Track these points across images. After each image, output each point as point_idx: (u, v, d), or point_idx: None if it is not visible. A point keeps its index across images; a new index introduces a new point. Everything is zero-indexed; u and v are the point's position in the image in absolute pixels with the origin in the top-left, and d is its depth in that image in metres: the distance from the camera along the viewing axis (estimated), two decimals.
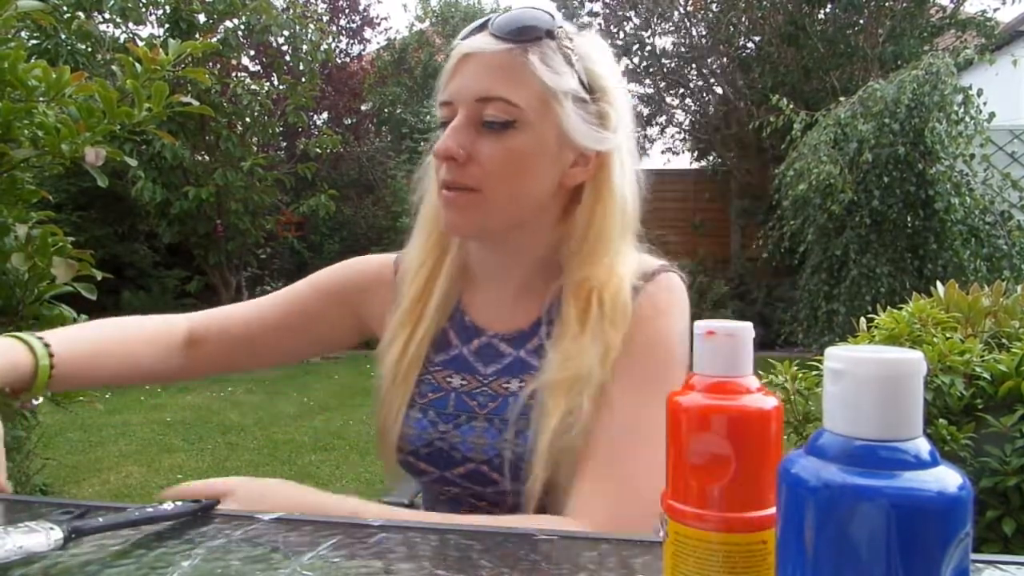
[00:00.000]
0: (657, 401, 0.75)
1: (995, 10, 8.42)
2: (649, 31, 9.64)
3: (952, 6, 8.40)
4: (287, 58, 8.10)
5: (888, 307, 2.03)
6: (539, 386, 0.80)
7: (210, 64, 7.05)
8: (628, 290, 0.81)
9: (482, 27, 0.81)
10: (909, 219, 5.79)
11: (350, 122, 9.84)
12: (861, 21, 8.32)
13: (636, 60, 9.79)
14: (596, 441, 0.76)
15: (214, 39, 6.52)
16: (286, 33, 7.72)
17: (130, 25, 6.62)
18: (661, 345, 0.80)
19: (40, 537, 0.55)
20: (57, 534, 0.56)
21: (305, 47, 7.75)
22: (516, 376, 0.85)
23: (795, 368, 2.03)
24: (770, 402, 0.42)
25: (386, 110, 10.13)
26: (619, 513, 0.73)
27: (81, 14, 5.27)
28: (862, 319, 2.07)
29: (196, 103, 1.80)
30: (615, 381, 0.78)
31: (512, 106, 0.77)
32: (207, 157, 7.52)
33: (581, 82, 0.80)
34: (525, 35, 0.77)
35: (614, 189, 0.82)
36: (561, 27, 0.80)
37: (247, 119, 7.43)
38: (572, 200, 0.84)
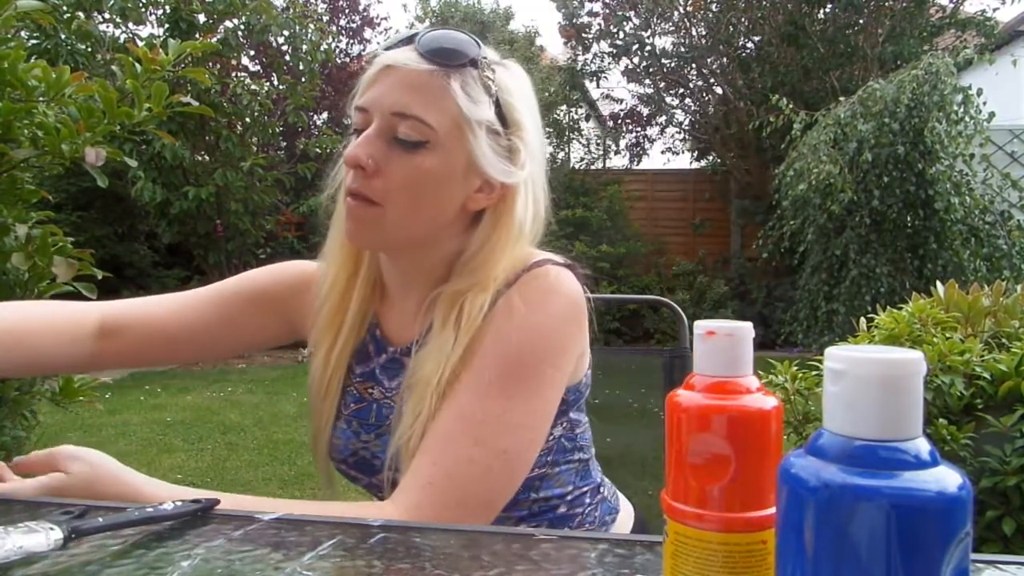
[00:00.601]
0: (503, 395, 0.76)
1: (995, 10, 8.43)
2: (649, 31, 9.65)
3: (952, 6, 8.41)
4: (287, 58, 8.10)
5: (888, 307, 2.03)
6: (401, 391, 0.83)
7: (210, 64, 7.04)
8: (491, 296, 0.81)
9: (408, 40, 0.81)
10: (909, 219, 5.79)
11: (350, 122, 9.83)
12: (861, 21, 8.32)
13: (636, 60, 9.79)
14: (430, 433, 0.77)
15: (214, 39, 6.52)
16: (286, 33, 7.72)
17: (130, 25, 6.62)
18: (512, 341, 0.79)
19: (40, 537, 0.55)
20: (57, 534, 0.56)
21: (305, 47, 7.75)
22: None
23: (795, 368, 2.03)
24: (770, 402, 0.42)
25: None
26: (425, 500, 0.73)
27: (81, 14, 5.27)
28: (862, 319, 2.07)
29: (196, 103, 1.80)
30: (462, 378, 0.78)
31: (426, 127, 0.77)
32: (207, 157, 7.52)
33: (497, 114, 0.81)
34: (449, 59, 0.78)
35: (514, 221, 0.83)
36: (485, 57, 0.81)
37: (247, 119, 7.43)
38: (473, 221, 0.85)
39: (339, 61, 9.48)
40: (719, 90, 9.57)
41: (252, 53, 8.46)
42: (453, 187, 0.81)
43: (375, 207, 0.79)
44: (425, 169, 0.78)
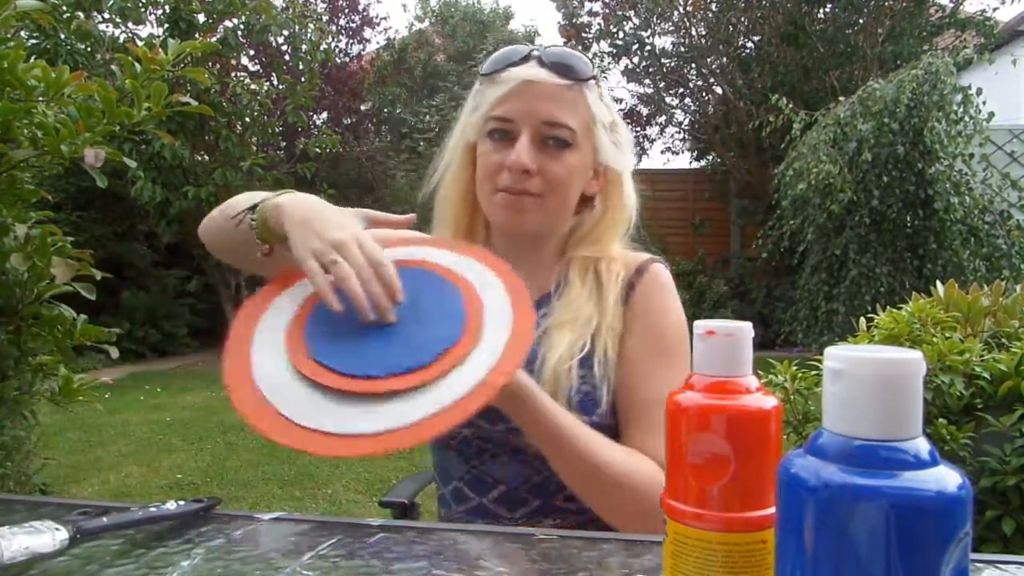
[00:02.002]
0: (682, 370, 0.90)
1: (994, 10, 8.43)
2: (649, 31, 9.64)
3: (951, 6, 8.41)
4: (287, 58, 8.10)
5: (888, 307, 2.03)
6: (546, 327, 0.94)
7: (209, 64, 7.04)
8: (619, 267, 0.99)
9: (527, 58, 0.95)
10: (908, 219, 5.79)
11: (350, 122, 9.83)
12: (861, 21, 8.32)
13: (636, 60, 9.79)
14: (636, 407, 0.91)
15: (213, 39, 6.52)
16: (285, 33, 7.72)
17: (129, 25, 6.62)
18: (674, 317, 0.97)
19: (46, 538, 0.55)
20: (63, 534, 0.56)
21: (305, 47, 7.75)
22: None
23: (795, 368, 2.03)
24: (769, 402, 0.42)
25: (386, 110, 10.13)
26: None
27: (80, 14, 5.27)
28: (862, 319, 2.07)
29: (195, 103, 1.79)
30: (644, 354, 0.93)
31: (571, 131, 0.94)
32: (207, 157, 7.51)
33: (609, 115, 1.00)
34: (580, 75, 0.95)
35: (625, 202, 1.02)
36: (597, 72, 0.99)
37: (247, 119, 7.42)
38: (582, 204, 1.03)
39: (339, 61, 9.47)
40: (719, 90, 9.57)
41: (252, 53, 8.46)
42: (584, 177, 0.99)
43: (536, 198, 0.94)
44: (572, 165, 0.95)
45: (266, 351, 0.76)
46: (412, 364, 0.70)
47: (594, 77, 0.97)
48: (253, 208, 0.87)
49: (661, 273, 1.00)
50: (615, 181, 1.02)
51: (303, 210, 0.81)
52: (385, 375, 0.69)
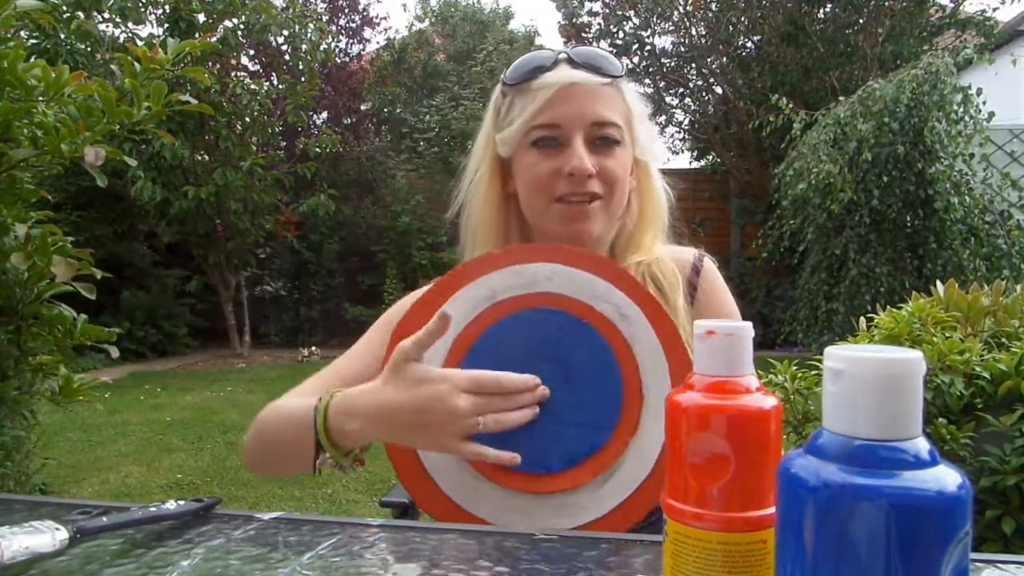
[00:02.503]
0: None
1: (994, 9, 8.43)
2: (649, 31, 9.64)
3: (952, 6, 8.40)
4: (287, 58, 8.10)
5: (888, 306, 2.03)
6: None
7: (209, 64, 7.04)
8: (673, 267, 0.97)
9: (557, 62, 0.93)
10: (908, 218, 5.79)
11: (350, 122, 9.83)
12: (861, 21, 8.31)
13: (636, 60, 9.78)
14: None
15: (213, 39, 6.52)
16: (285, 33, 7.72)
17: (129, 24, 6.61)
18: (734, 306, 0.99)
19: (46, 537, 0.55)
20: (63, 534, 0.56)
21: (305, 47, 7.75)
22: None
23: (794, 368, 2.03)
24: (769, 402, 0.42)
25: (386, 110, 10.13)
26: None
27: (80, 14, 5.26)
28: (862, 319, 2.07)
29: (195, 102, 1.79)
30: None
31: (618, 128, 0.93)
32: (207, 157, 7.52)
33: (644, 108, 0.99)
34: (616, 72, 0.94)
35: (657, 193, 1.01)
36: (626, 67, 0.98)
37: (247, 119, 7.42)
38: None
39: (339, 61, 9.47)
40: (719, 90, 9.56)
41: (252, 53, 8.45)
42: (629, 172, 0.97)
43: (600, 200, 0.92)
44: (624, 162, 0.94)
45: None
46: (583, 450, 0.70)
47: (624, 74, 0.96)
48: (319, 447, 0.78)
49: (712, 267, 1.01)
50: (646, 174, 1.01)
51: (390, 421, 0.73)
52: (555, 471, 0.71)
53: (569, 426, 0.72)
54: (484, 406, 0.71)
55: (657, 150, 1.01)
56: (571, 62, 0.92)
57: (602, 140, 0.91)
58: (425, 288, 1.01)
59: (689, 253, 1.01)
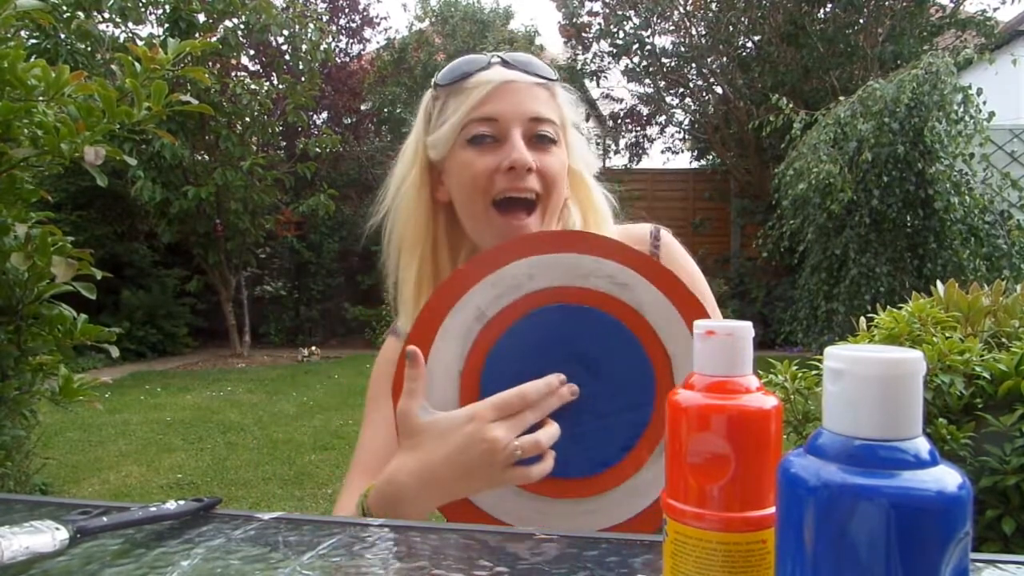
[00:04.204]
0: (716, 312, 0.90)
1: (995, 9, 8.43)
2: (649, 31, 9.64)
3: (952, 6, 8.40)
4: (287, 57, 8.10)
5: (888, 306, 2.03)
6: None
7: (210, 63, 7.04)
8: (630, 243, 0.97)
9: (489, 64, 0.92)
10: (909, 218, 5.79)
11: (350, 122, 9.84)
12: (861, 20, 8.32)
13: (636, 60, 9.79)
14: None
15: (214, 38, 6.52)
16: (286, 32, 7.72)
17: (129, 24, 6.62)
18: (697, 271, 0.97)
19: (46, 537, 0.55)
20: (63, 534, 0.56)
21: (305, 47, 7.75)
22: None
23: (795, 368, 2.03)
24: (770, 402, 0.42)
25: (386, 110, 10.12)
26: None
27: (81, 14, 5.26)
28: (862, 318, 2.07)
29: (195, 102, 1.79)
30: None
31: (556, 126, 0.92)
32: (207, 157, 7.52)
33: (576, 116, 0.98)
34: (549, 75, 0.94)
35: (595, 197, 0.99)
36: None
37: (247, 119, 7.43)
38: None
39: (339, 61, 9.47)
40: (719, 90, 9.57)
41: (252, 53, 8.46)
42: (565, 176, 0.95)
43: (531, 210, 0.90)
44: (560, 161, 0.92)
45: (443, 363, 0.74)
46: (634, 433, 0.68)
47: (557, 79, 0.95)
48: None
49: (670, 236, 0.99)
50: (581, 181, 0.98)
51: (433, 487, 0.70)
52: (615, 464, 0.69)
53: (611, 417, 0.70)
54: (518, 426, 0.69)
55: (590, 159, 0.99)
56: (505, 63, 0.91)
57: (539, 137, 0.90)
58: (389, 340, 1.01)
59: (644, 228, 0.99)
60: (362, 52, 10.35)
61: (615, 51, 9.86)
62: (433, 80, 0.95)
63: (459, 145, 0.90)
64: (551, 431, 0.69)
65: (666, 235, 0.98)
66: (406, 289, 0.95)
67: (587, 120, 11.22)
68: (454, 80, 0.91)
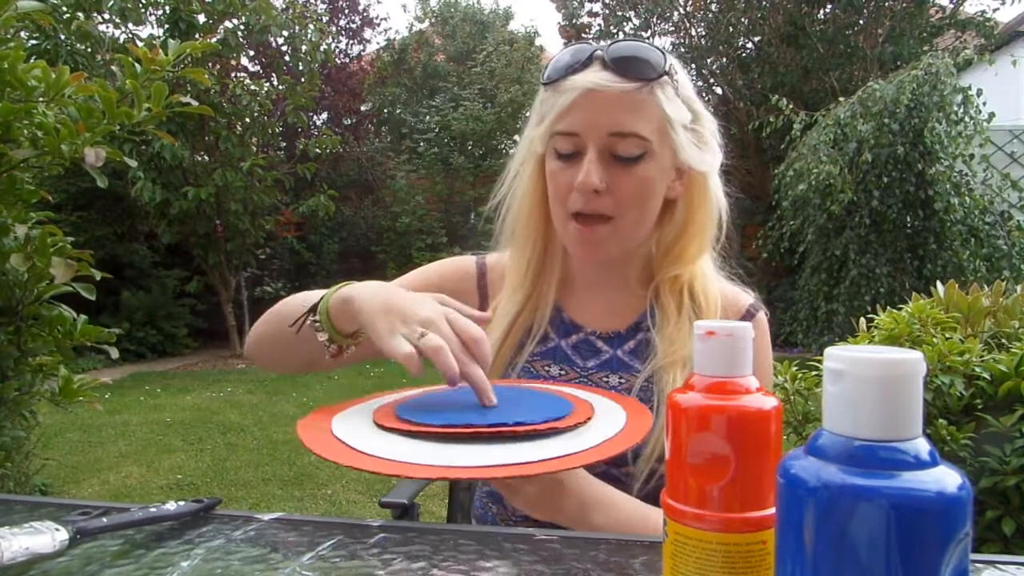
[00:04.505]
0: None
1: (995, 10, 8.44)
2: (649, 31, 9.64)
3: (952, 6, 8.41)
4: (287, 58, 8.11)
5: (888, 307, 2.03)
6: (654, 370, 0.89)
7: (209, 64, 7.04)
8: (715, 285, 0.94)
9: (590, 61, 0.86)
10: (909, 219, 5.79)
11: (350, 122, 9.84)
12: (861, 21, 8.32)
13: None
14: None
15: (213, 39, 6.52)
16: (285, 33, 7.73)
17: (130, 25, 6.62)
18: (770, 366, 0.96)
19: (46, 538, 0.55)
20: (63, 535, 0.56)
21: (305, 47, 7.75)
22: (616, 372, 0.92)
23: (794, 368, 2.03)
24: (769, 402, 0.42)
25: (386, 110, 10.14)
26: None
27: (80, 15, 5.26)
28: (862, 319, 2.07)
29: (195, 103, 1.80)
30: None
31: (643, 140, 0.84)
32: (207, 157, 7.52)
33: (688, 110, 0.89)
34: (649, 74, 0.84)
35: (711, 204, 0.93)
36: (671, 64, 0.87)
37: (247, 119, 7.43)
38: (665, 210, 0.93)
39: (339, 61, 9.48)
40: (719, 90, 9.57)
41: (252, 53, 8.46)
42: (664, 183, 0.89)
43: (608, 223, 0.87)
44: (648, 178, 0.86)
45: (349, 421, 0.70)
46: (522, 420, 0.63)
47: (666, 72, 0.86)
48: (313, 310, 0.81)
49: (764, 323, 0.94)
50: (699, 183, 0.92)
51: (383, 299, 0.74)
52: (490, 425, 0.63)
53: (522, 411, 0.67)
54: (444, 335, 0.68)
55: (710, 157, 0.91)
56: (603, 62, 0.85)
57: (620, 154, 0.85)
58: (462, 259, 1.02)
59: (744, 298, 0.96)
60: (362, 53, 10.36)
61: None
62: (541, 77, 0.92)
63: (550, 152, 0.89)
64: (453, 358, 0.67)
65: (762, 317, 0.95)
66: (515, 271, 0.97)
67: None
68: (553, 80, 0.88)
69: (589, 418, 0.67)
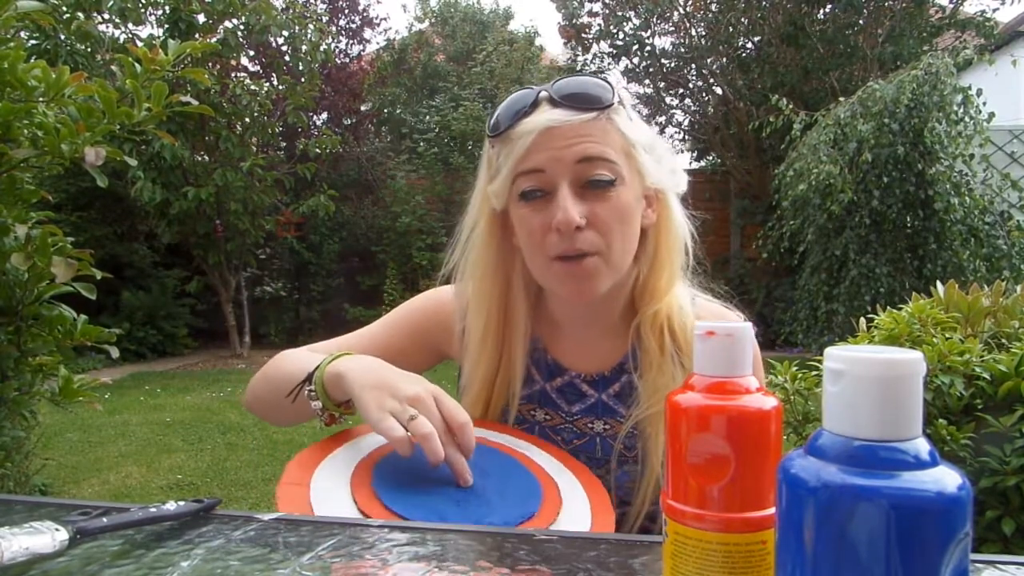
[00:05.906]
0: None
1: (994, 10, 8.43)
2: (649, 31, 9.64)
3: (951, 6, 8.41)
4: (287, 58, 8.10)
5: (888, 307, 2.03)
6: (640, 419, 0.88)
7: (209, 64, 7.04)
8: (691, 317, 0.91)
9: (537, 102, 0.84)
10: (909, 219, 5.79)
11: (350, 122, 9.84)
12: (861, 21, 8.32)
13: (636, 60, 9.79)
14: None
15: (213, 39, 6.52)
16: (285, 33, 7.72)
17: (129, 25, 6.62)
18: (761, 380, 0.92)
19: (46, 538, 0.55)
20: (63, 535, 0.56)
21: (305, 47, 7.75)
22: (600, 418, 0.91)
23: (795, 368, 2.03)
24: (769, 402, 0.42)
25: (385, 110, 10.13)
26: None
27: (80, 14, 5.26)
28: (862, 319, 2.07)
29: (195, 103, 1.80)
30: None
31: (612, 163, 0.83)
32: (207, 157, 7.52)
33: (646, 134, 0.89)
34: (602, 103, 0.84)
35: (674, 225, 0.91)
36: (618, 94, 0.86)
37: (247, 119, 7.43)
38: (639, 242, 0.90)
39: (339, 61, 9.47)
40: (719, 90, 9.57)
41: (252, 53, 8.45)
42: (639, 212, 0.87)
43: (595, 258, 0.83)
44: (624, 202, 0.84)
45: (326, 491, 0.72)
46: (494, 521, 0.67)
47: (619, 100, 0.85)
48: (309, 379, 0.83)
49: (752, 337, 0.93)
50: (664, 205, 0.91)
51: (373, 375, 0.76)
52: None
53: (496, 504, 0.71)
54: (431, 415, 0.72)
55: (671, 177, 0.90)
56: (551, 100, 0.83)
57: (593, 183, 0.82)
58: (443, 290, 1.01)
59: (729, 317, 0.94)
60: (362, 53, 10.35)
61: (615, 52, 9.87)
62: (486, 129, 0.90)
63: (513, 200, 0.86)
64: (438, 443, 0.70)
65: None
66: (473, 338, 0.94)
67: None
68: (500, 130, 0.86)
69: (558, 513, 0.71)
